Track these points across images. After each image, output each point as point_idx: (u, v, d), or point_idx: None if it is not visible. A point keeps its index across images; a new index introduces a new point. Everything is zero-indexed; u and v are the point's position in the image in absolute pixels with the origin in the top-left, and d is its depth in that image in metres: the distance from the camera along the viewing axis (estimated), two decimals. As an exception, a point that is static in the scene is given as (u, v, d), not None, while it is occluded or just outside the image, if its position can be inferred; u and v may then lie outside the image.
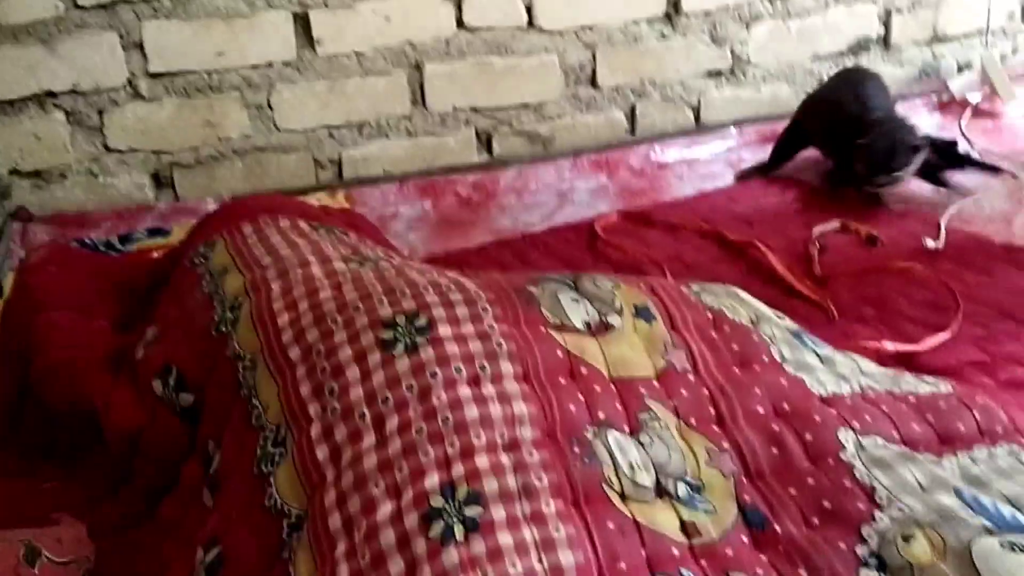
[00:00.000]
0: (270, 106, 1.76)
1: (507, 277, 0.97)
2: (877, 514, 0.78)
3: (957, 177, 1.63)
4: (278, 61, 1.73)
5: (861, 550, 0.75)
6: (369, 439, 0.78)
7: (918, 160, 1.56)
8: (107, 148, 1.71)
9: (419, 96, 1.83)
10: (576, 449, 0.79)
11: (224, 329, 0.91)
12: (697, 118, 1.99)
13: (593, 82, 1.90)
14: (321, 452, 0.78)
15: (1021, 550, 0.72)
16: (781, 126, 1.94)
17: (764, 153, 1.90)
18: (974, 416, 0.89)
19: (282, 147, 1.79)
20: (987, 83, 1.93)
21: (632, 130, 1.97)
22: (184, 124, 1.73)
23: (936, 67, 2.03)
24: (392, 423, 0.78)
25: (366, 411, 0.80)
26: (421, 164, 1.87)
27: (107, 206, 1.72)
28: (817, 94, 1.80)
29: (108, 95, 1.67)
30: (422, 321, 0.85)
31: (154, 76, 1.68)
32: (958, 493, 0.79)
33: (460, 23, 1.79)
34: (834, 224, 1.52)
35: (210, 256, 1.03)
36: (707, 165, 1.90)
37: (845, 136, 1.60)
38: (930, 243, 1.41)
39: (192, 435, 0.90)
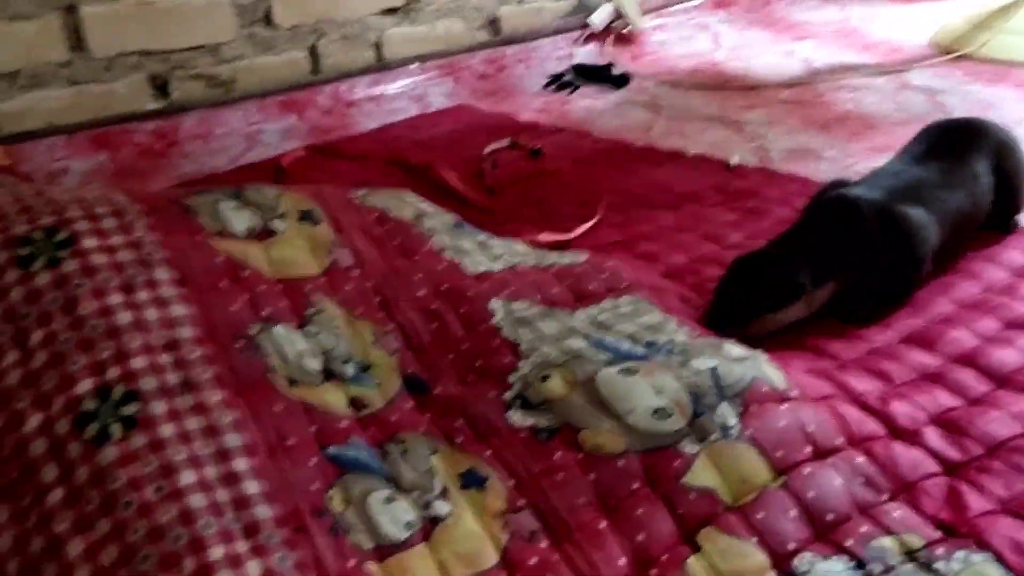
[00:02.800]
0: None
1: (163, 192, 0.96)
2: (520, 364, 0.88)
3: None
4: (-101, 6, 1.55)
5: (507, 395, 0.85)
6: (11, 356, 0.75)
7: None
8: None
9: (77, 40, 1.71)
10: (238, 344, 0.82)
11: None
12: (379, 56, 2.03)
13: (269, 21, 1.88)
14: (-42, 378, 0.74)
15: (634, 372, 0.85)
16: (460, 60, 2.05)
17: (446, 87, 1.99)
18: (603, 277, 1.03)
19: (-83, 103, 1.61)
20: (621, 15, 2.17)
21: (316, 69, 1.97)
22: None
23: (587, 2, 2.24)
24: (36, 337, 0.76)
25: (5, 328, 0.76)
26: (90, 114, 1.75)
27: None
28: None
29: None
30: (63, 235, 0.83)
31: None
32: (586, 337, 0.92)
33: (114, -39, 1.70)
34: (504, 142, 1.64)
35: None
36: (392, 101, 1.96)
37: None
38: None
39: None
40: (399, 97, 1.98)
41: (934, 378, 0.90)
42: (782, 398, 0.83)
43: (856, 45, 2.08)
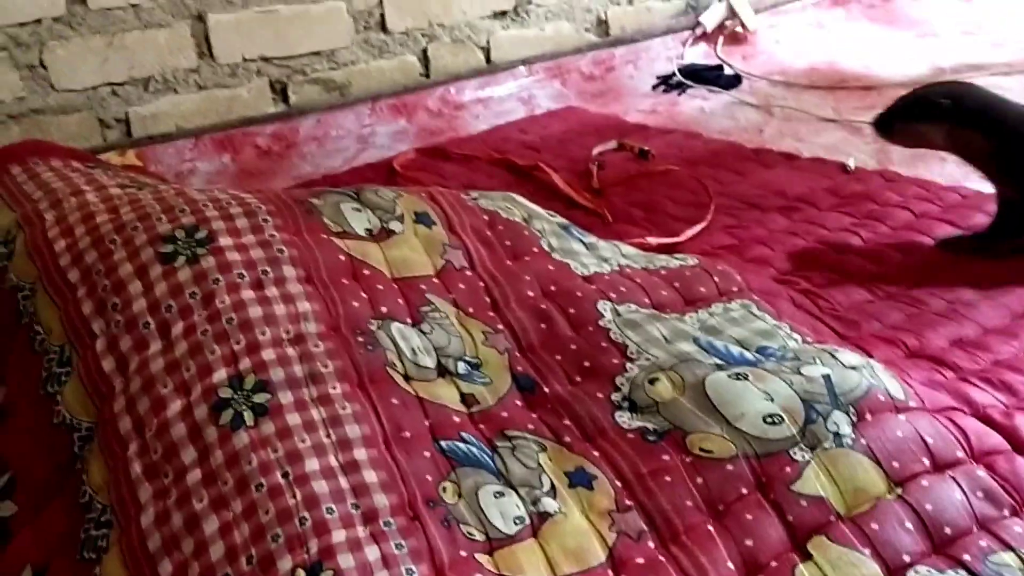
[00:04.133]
0: (43, 65, 1.69)
1: (288, 191, 1.01)
2: (628, 366, 0.89)
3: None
4: (47, 17, 1.66)
5: (615, 396, 0.86)
6: (155, 346, 0.81)
7: None
8: None
9: (205, 47, 1.81)
10: (360, 339, 0.85)
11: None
12: (488, 58, 2.07)
13: (383, 27, 1.94)
14: (108, 364, 0.80)
15: (744, 377, 0.84)
16: (568, 61, 2.07)
17: (553, 89, 2.01)
18: (714, 280, 1.03)
19: (61, 108, 1.73)
20: (735, 15, 2.14)
21: (427, 73, 2.02)
22: (-50, 89, 1.63)
23: (697, 1, 2.21)
24: (177, 328, 0.81)
25: (150, 320, 0.82)
26: (215, 118, 1.85)
27: None
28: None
29: None
30: (202, 234, 0.88)
31: (-89, 39, 1.58)
32: (696, 341, 0.92)
33: (242, -29, 1.78)
34: (611, 144, 1.65)
35: (-24, 197, 1.00)
36: (501, 103, 1.99)
37: None
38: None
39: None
40: (507, 99, 2.01)
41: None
42: (899, 408, 0.82)
43: (984, 42, 1.99)
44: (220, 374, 0.78)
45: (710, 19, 2.15)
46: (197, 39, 1.79)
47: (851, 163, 1.44)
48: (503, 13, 2.04)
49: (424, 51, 2.00)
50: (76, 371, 0.81)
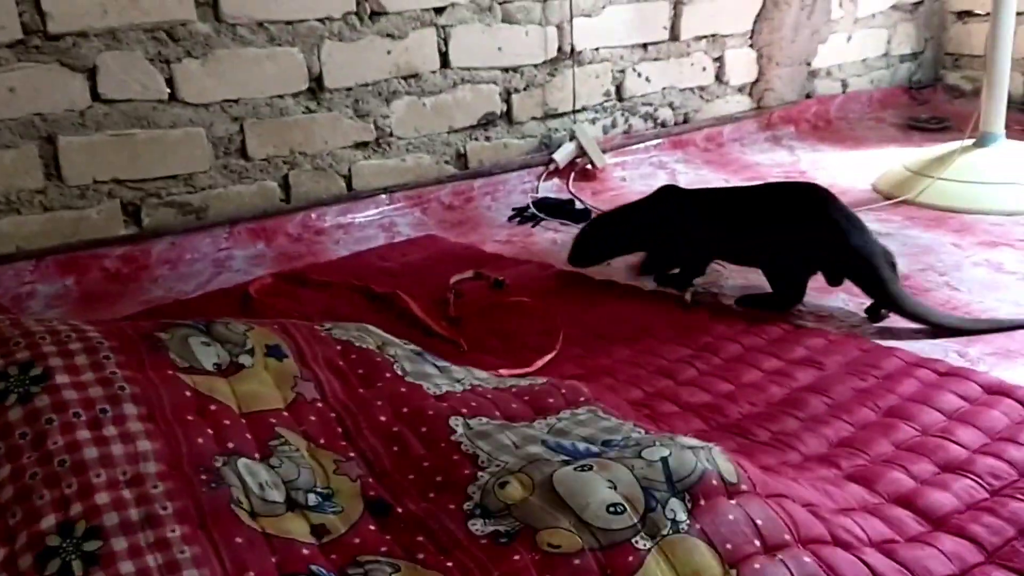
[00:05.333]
0: None
1: (134, 324, 0.99)
2: (480, 474, 0.91)
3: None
4: None
5: (467, 505, 0.88)
6: (-21, 490, 0.76)
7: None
8: None
9: (54, 169, 1.77)
10: (203, 476, 0.83)
11: None
12: (349, 186, 2.11)
13: (244, 153, 1.96)
14: (-76, 512, 0.75)
15: (589, 468, 0.87)
16: (429, 192, 2.14)
17: (413, 217, 2.07)
18: (562, 392, 1.07)
19: None
20: (584, 153, 2.29)
21: (287, 199, 2.04)
22: None
23: (550, 139, 2.36)
24: (4, 471, 0.77)
25: (-25, 463, 0.78)
26: (60, 238, 1.79)
27: None
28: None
29: None
30: (37, 371, 0.85)
31: None
32: (544, 443, 0.95)
33: (96, 96, 1.77)
34: (469, 273, 1.70)
35: None
36: (362, 229, 2.03)
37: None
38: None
39: None
40: (368, 225, 2.05)
41: (873, 511, 0.94)
42: (732, 492, 0.86)
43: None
44: (49, 520, 0.74)
45: (562, 156, 2.29)
46: (45, 160, 1.75)
47: (687, 297, 1.54)
48: (364, 144, 2.10)
49: (285, 177, 2.03)
50: None
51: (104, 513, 0.76)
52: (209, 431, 0.88)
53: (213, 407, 0.91)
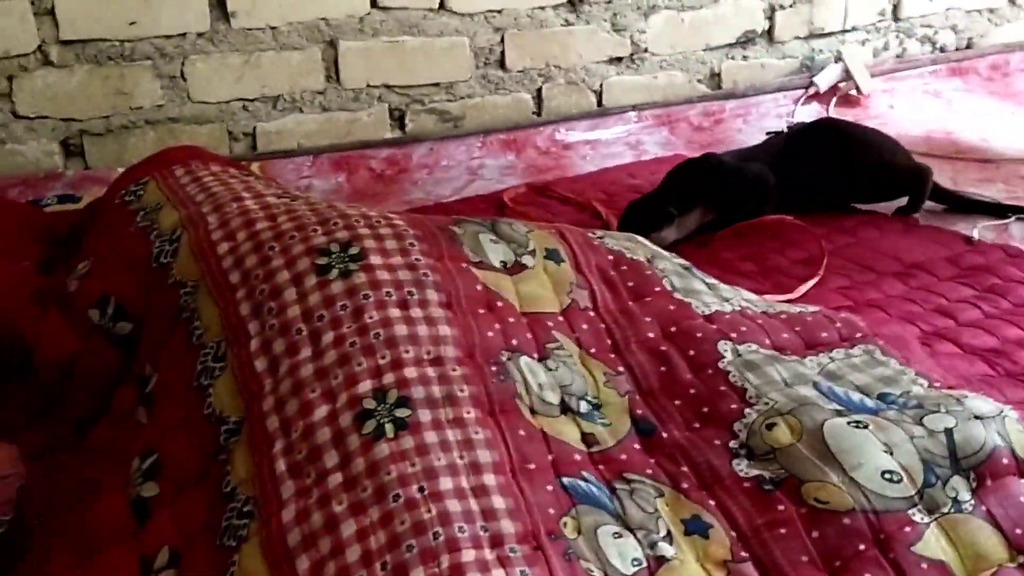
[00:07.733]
0: (183, 77, 1.78)
1: (430, 218, 1.05)
2: (746, 411, 0.90)
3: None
4: (192, 32, 1.76)
5: (733, 444, 0.87)
6: (306, 351, 0.85)
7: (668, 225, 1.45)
8: (15, 115, 1.70)
9: (333, 72, 1.88)
10: (493, 368, 0.88)
11: (164, 260, 0.96)
12: (600, 102, 2.10)
13: (503, 64, 2.00)
14: (260, 364, 0.85)
15: (864, 426, 0.84)
16: (678, 111, 2.10)
17: (660, 136, 2.04)
18: (836, 326, 1.03)
19: (195, 118, 1.82)
20: (849, 77, 2.14)
21: (539, 111, 2.07)
22: (95, 92, 1.73)
23: (812, 60, 2.22)
24: (327, 337, 0.85)
25: (303, 327, 0.86)
26: (334, 138, 1.92)
27: (15, 173, 1.71)
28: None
29: (18, 61, 1.67)
30: (355, 250, 0.93)
31: (65, 43, 1.68)
32: (816, 385, 0.92)
33: (374, 3, 1.86)
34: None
35: (142, 195, 1.07)
36: (608, 146, 2.02)
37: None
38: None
39: (126, 363, 0.95)
40: (615, 142, 2.04)
41: None
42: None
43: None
44: (365, 385, 0.82)
45: (824, 79, 2.15)
46: (327, 63, 1.87)
47: (975, 234, 1.42)
48: (619, 59, 2.08)
49: (539, 90, 2.05)
50: (230, 367, 0.86)
51: (412, 386, 0.82)
52: (497, 326, 0.93)
53: (499, 303, 0.96)
